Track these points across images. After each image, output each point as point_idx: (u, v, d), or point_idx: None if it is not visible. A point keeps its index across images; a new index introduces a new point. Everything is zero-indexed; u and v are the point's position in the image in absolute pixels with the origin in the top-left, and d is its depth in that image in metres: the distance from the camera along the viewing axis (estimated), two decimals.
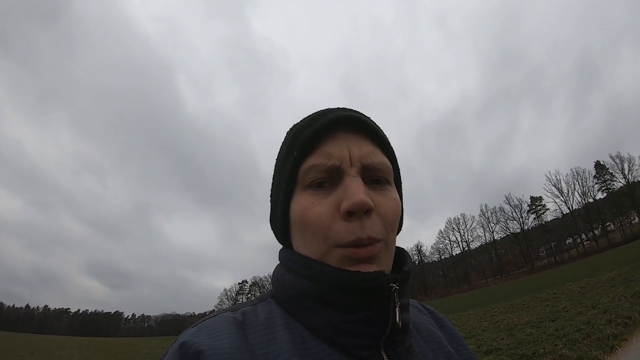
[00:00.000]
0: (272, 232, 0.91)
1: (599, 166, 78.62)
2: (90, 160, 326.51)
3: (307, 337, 0.69)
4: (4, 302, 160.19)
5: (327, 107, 0.82)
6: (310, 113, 0.84)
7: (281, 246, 0.88)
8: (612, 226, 78.26)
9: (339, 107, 0.81)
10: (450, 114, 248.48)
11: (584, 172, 79.90)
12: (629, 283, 15.95)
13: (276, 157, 0.86)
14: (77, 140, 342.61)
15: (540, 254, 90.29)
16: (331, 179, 0.73)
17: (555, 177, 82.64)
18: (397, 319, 0.68)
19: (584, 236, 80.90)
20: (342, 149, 0.73)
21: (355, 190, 0.69)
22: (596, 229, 77.93)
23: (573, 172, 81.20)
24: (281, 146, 0.84)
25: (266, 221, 0.91)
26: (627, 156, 73.22)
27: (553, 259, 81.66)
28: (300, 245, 0.75)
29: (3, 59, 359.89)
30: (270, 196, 0.88)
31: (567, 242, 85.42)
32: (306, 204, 0.72)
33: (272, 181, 0.87)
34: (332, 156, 0.72)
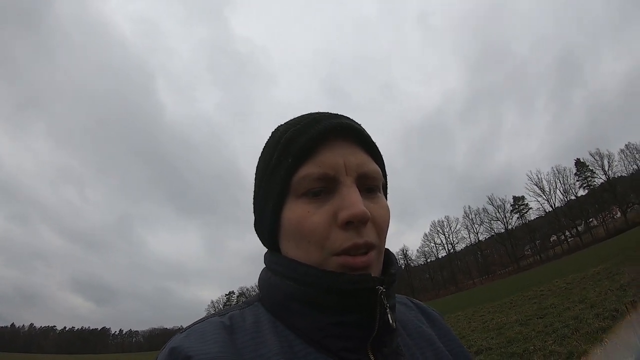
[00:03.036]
0: (256, 237, 0.90)
1: (579, 164, 79.81)
2: (69, 170, 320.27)
3: (294, 341, 0.69)
4: None
5: (317, 112, 0.81)
6: (299, 115, 0.82)
7: (266, 250, 0.87)
8: (595, 222, 79.24)
9: (330, 113, 0.80)
10: (434, 114, 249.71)
11: (564, 170, 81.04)
12: (615, 276, 16.04)
13: (260, 158, 0.84)
14: (55, 150, 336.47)
15: (526, 252, 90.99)
16: (327, 187, 0.72)
17: (537, 176, 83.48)
18: (390, 320, 0.69)
19: (567, 233, 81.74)
20: (337, 158, 0.72)
21: (354, 200, 0.69)
22: (579, 225, 78.82)
23: (554, 171, 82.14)
24: (267, 149, 0.82)
25: (251, 229, 0.89)
26: (607, 153, 74.68)
27: (538, 257, 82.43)
28: (294, 252, 0.74)
29: None
30: (255, 199, 0.86)
31: (551, 239, 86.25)
32: (302, 213, 0.71)
33: (256, 184, 0.84)
34: (328, 165, 0.72)
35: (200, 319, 0.75)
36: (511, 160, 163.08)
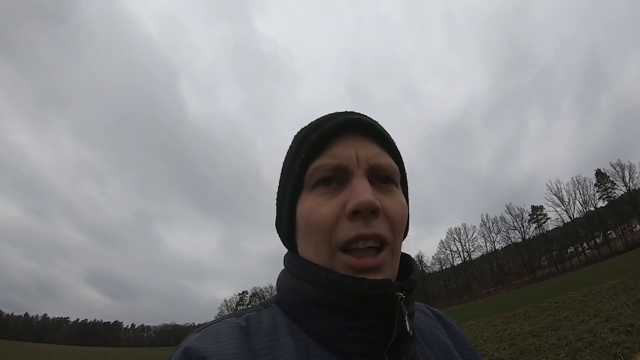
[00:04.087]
0: (278, 237, 0.90)
1: (599, 174, 79.12)
2: (90, 166, 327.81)
3: (311, 344, 0.69)
4: (3, 310, 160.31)
5: (335, 112, 0.82)
6: (318, 117, 0.84)
7: (286, 250, 0.87)
8: (614, 234, 78.24)
9: (346, 111, 0.81)
10: (458, 118, 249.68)
11: (584, 180, 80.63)
12: (632, 291, 15.80)
13: (283, 161, 0.85)
14: (77, 146, 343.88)
15: (542, 263, 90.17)
16: (338, 178, 0.73)
17: (556, 186, 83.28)
18: (408, 328, 0.68)
19: (585, 245, 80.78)
20: (348, 150, 0.74)
21: (362, 190, 0.69)
22: (597, 237, 77.89)
23: (574, 181, 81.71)
24: (288, 150, 0.84)
25: (269, 230, 0.90)
26: (628, 164, 73.93)
27: (555, 268, 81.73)
28: (305, 249, 0.75)
29: (3, 63, 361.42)
30: (277, 200, 0.86)
31: (568, 251, 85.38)
32: (312, 206, 0.72)
33: (279, 185, 0.86)
34: (340, 156, 0.73)
35: (217, 319, 0.74)
36: (531, 168, 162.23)
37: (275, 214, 0.89)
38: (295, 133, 0.85)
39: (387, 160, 0.77)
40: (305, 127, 0.83)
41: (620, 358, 7.42)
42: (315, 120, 0.82)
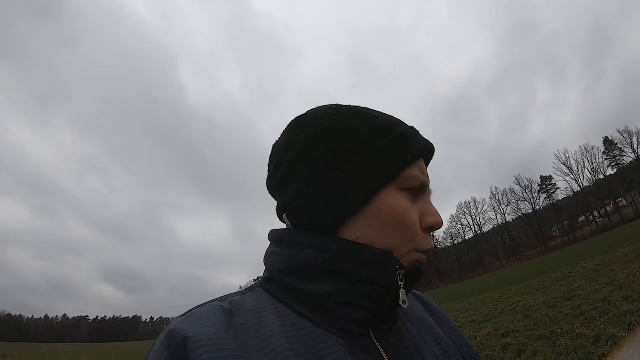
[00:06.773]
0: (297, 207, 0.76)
1: (607, 142, 78.13)
2: (94, 160, 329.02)
3: (296, 320, 0.70)
4: (23, 314, 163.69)
5: (412, 126, 0.82)
6: (382, 112, 0.83)
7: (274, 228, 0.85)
8: (624, 202, 77.76)
9: (412, 126, 0.82)
10: (463, 88, 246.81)
11: (592, 148, 79.51)
12: None
13: (346, 132, 0.75)
14: (80, 140, 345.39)
15: (553, 233, 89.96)
16: (418, 192, 0.77)
17: (564, 155, 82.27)
18: (400, 300, 0.71)
19: (596, 213, 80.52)
20: (427, 174, 0.80)
21: (437, 211, 0.78)
22: (608, 205, 77.48)
23: (582, 149, 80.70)
24: (362, 128, 0.76)
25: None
26: (636, 130, 72.80)
27: (566, 238, 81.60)
28: (372, 237, 0.73)
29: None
30: (327, 171, 0.73)
31: (579, 220, 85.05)
32: (407, 206, 0.74)
33: (334, 156, 0.74)
34: (426, 176, 0.79)
35: (201, 304, 0.75)
36: (539, 138, 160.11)
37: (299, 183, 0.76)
38: (357, 111, 0.79)
39: None
40: (381, 116, 0.80)
41: (635, 326, 7.54)
42: (392, 118, 0.81)
